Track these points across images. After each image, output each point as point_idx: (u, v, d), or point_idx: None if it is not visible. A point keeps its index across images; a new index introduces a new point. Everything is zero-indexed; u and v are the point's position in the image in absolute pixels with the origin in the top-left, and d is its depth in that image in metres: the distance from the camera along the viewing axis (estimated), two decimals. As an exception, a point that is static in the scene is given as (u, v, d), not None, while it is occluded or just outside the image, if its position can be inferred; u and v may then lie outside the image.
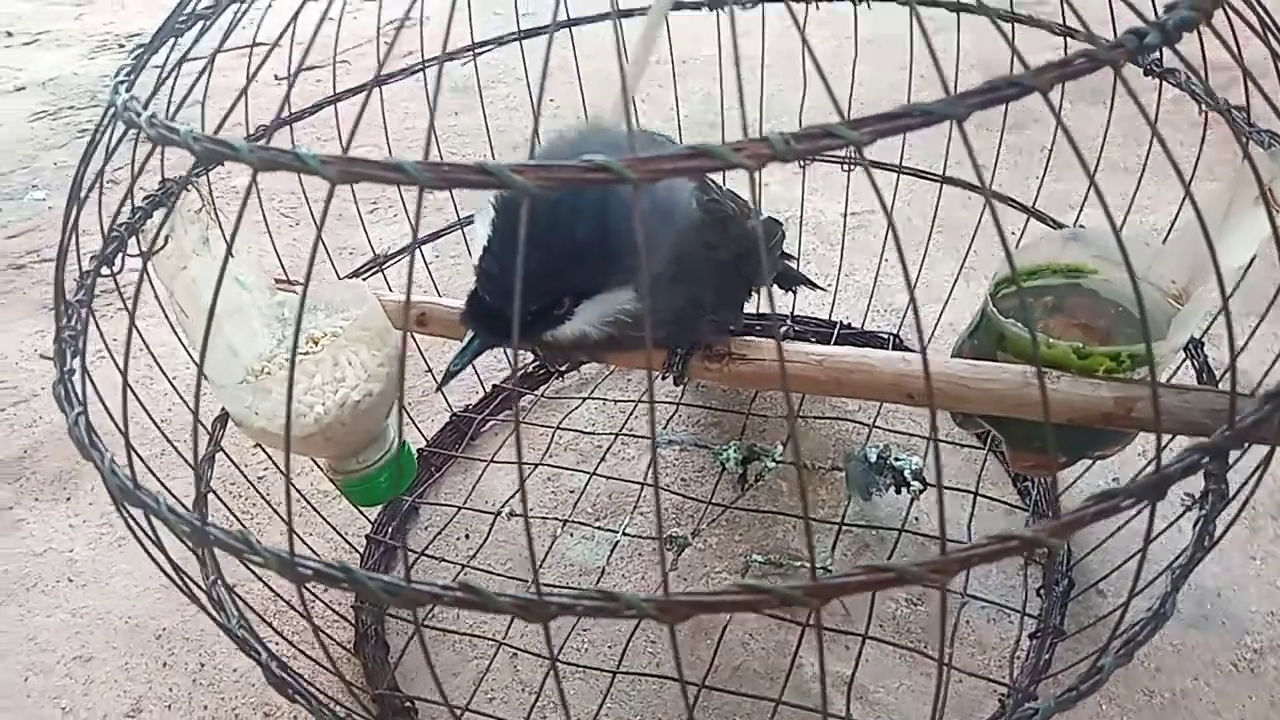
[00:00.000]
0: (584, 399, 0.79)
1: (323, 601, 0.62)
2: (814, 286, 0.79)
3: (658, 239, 0.45)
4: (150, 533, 0.36)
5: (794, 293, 0.81)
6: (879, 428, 0.70)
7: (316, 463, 0.61)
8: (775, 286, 0.78)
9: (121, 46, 1.69)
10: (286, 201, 1.11)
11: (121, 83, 0.38)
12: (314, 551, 0.65)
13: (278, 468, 0.65)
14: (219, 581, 0.48)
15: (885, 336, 0.81)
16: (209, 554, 0.51)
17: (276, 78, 1.35)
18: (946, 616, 0.60)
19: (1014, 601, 0.59)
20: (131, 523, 0.38)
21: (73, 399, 0.37)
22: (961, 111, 0.27)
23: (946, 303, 0.79)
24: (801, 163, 0.79)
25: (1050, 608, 0.57)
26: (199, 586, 0.46)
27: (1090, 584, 0.58)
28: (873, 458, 0.63)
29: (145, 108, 0.46)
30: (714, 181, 0.59)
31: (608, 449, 0.73)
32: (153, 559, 0.40)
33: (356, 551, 0.68)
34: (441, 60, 0.30)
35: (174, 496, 0.34)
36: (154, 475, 0.44)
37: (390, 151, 0.75)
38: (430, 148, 0.28)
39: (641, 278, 0.42)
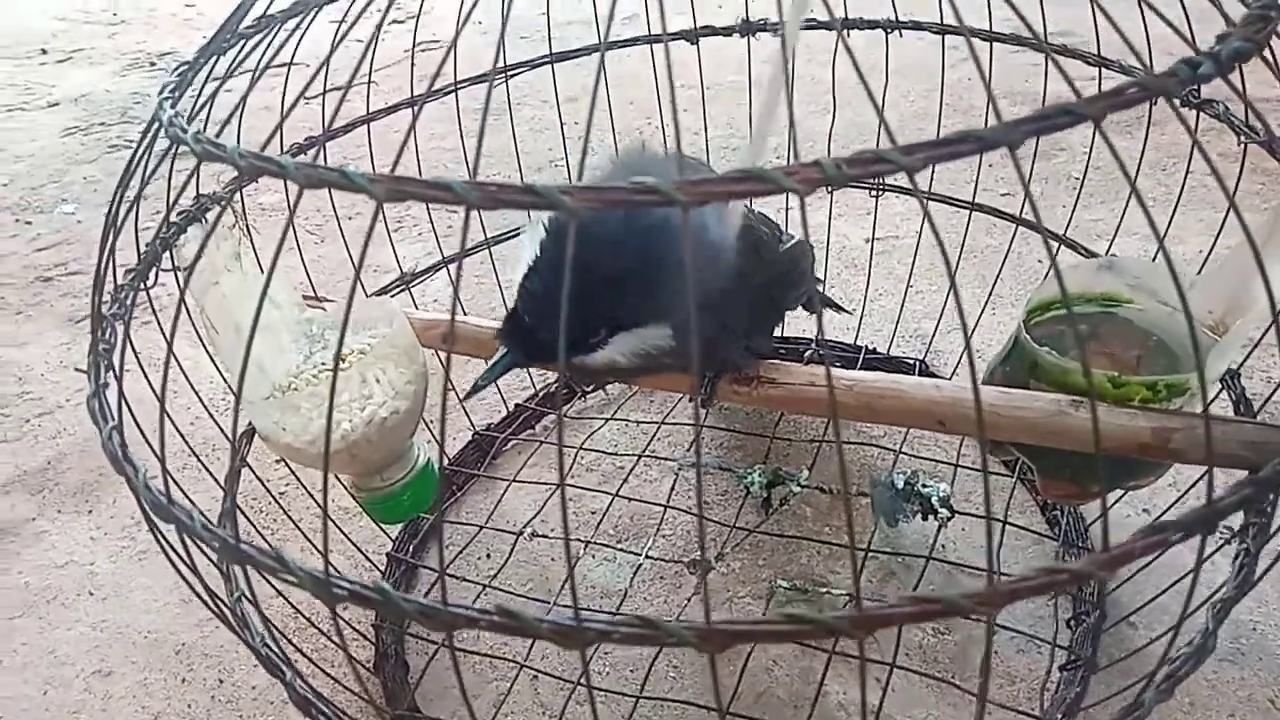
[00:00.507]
0: (606, 419, 0.78)
1: (342, 619, 0.62)
2: (839, 310, 0.78)
3: (703, 277, 0.45)
4: (182, 549, 0.36)
5: (819, 316, 0.80)
6: (905, 453, 0.70)
7: (339, 479, 0.61)
8: (801, 309, 0.78)
9: (153, 65, 1.72)
10: (312, 219, 1.12)
11: (166, 99, 0.39)
12: (335, 569, 0.64)
13: (301, 484, 0.65)
14: (244, 598, 0.47)
15: (911, 362, 0.80)
16: (236, 571, 0.51)
17: (306, 99, 1.37)
18: (976, 646, 0.59)
19: (1043, 632, 0.58)
20: (161, 539, 0.38)
21: (107, 414, 0.37)
22: (1015, 139, 0.27)
23: (974, 330, 0.78)
24: (828, 190, 0.79)
25: (1083, 639, 0.56)
26: (224, 603, 0.45)
27: (1122, 616, 0.57)
28: (899, 484, 0.63)
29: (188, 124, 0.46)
30: (746, 205, 0.59)
31: (630, 470, 0.73)
32: (182, 576, 0.40)
33: (378, 569, 0.67)
34: (491, 78, 0.30)
35: (201, 513, 0.34)
36: (182, 491, 0.44)
37: (421, 172, 0.76)
38: (473, 168, 0.28)
39: (680, 315, 0.42)
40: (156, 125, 0.37)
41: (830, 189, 0.80)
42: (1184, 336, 0.57)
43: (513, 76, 0.74)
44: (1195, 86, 0.59)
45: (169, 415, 0.37)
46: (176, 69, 0.43)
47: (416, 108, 0.40)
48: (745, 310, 0.52)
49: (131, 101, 1.55)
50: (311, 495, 0.69)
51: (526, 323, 0.45)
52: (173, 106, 0.37)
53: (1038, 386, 0.53)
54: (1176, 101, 0.60)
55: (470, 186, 0.26)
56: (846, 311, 0.80)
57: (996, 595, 0.26)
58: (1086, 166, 0.63)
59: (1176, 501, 0.58)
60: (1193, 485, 0.56)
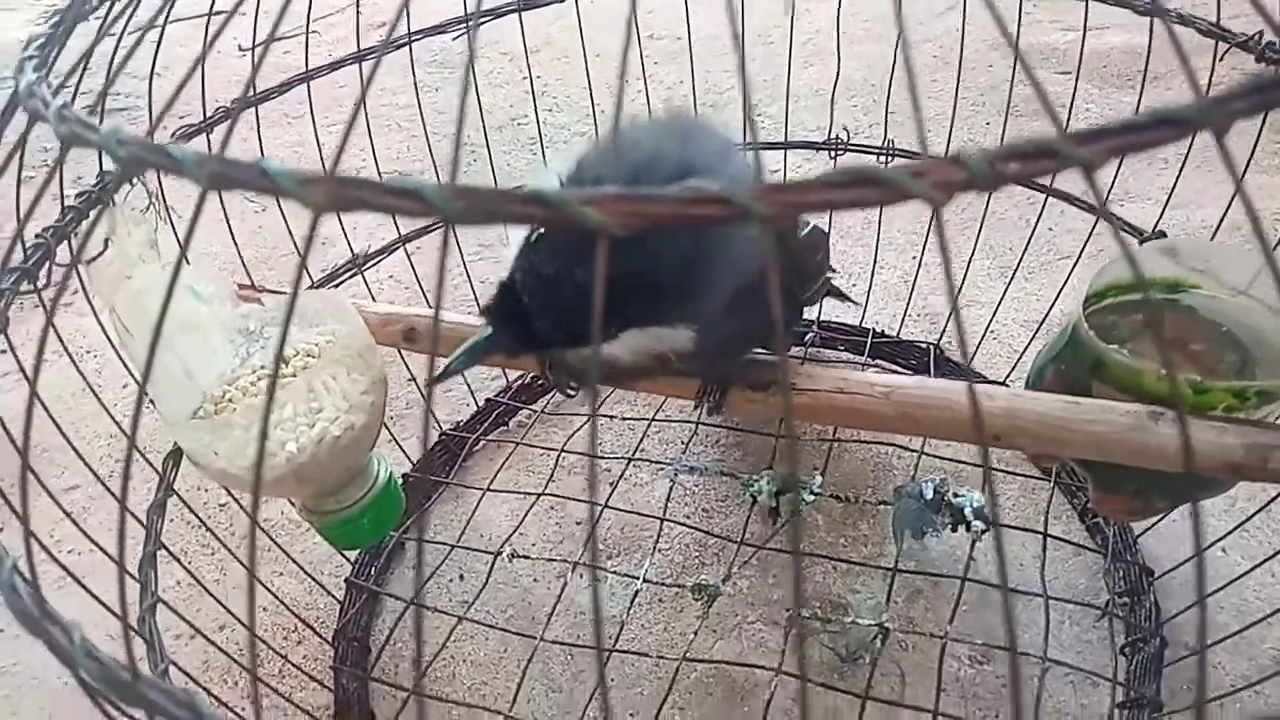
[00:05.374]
0: (589, 416, 0.70)
1: (294, 665, 0.54)
2: (846, 299, 0.71)
3: (735, 272, 0.38)
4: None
5: (820, 301, 0.73)
6: (926, 454, 0.62)
7: (291, 500, 0.52)
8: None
9: (70, 10, 1.56)
10: (251, 184, 1.01)
11: (30, 59, 0.29)
12: (280, 600, 0.56)
13: (241, 506, 0.57)
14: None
15: (924, 346, 0.73)
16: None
17: (241, 48, 1.24)
18: (1022, 681, 0.52)
19: (1093, 658, 0.52)
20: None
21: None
22: (1222, 119, 0.19)
23: (998, 308, 0.71)
24: (831, 154, 0.71)
25: (1141, 672, 0.50)
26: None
27: (1191, 651, 0.50)
28: (928, 494, 0.56)
29: (77, 82, 0.37)
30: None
31: (621, 474, 0.65)
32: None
33: (334, 596, 0.59)
34: (473, 23, 0.22)
35: (81, 636, 0.25)
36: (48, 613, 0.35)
37: (371, 131, 0.66)
38: (457, 170, 0.19)
39: (706, 316, 0.35)
40: (13, 94, 0.28)
41: (833, 156, 0.71)
42: (1257, 327, 0.50)
43: (477, 26, 0.64)
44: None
45: (64, 435, 0.28)
46: (51, 16, 0.33)
47: (370, 64, 0.30)
48: (764, 311, 0.44)
49: (47, 52, 1.40)
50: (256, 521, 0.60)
51: (523, 305, 0.38)
52: (37, 69, 0.28)
53: (1102, 390, 0.46)
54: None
55: (451, 194, 0.18)
56: (853, 302, 0.72)
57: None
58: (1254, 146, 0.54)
59: (1250, 517, 0.52)
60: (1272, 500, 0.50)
